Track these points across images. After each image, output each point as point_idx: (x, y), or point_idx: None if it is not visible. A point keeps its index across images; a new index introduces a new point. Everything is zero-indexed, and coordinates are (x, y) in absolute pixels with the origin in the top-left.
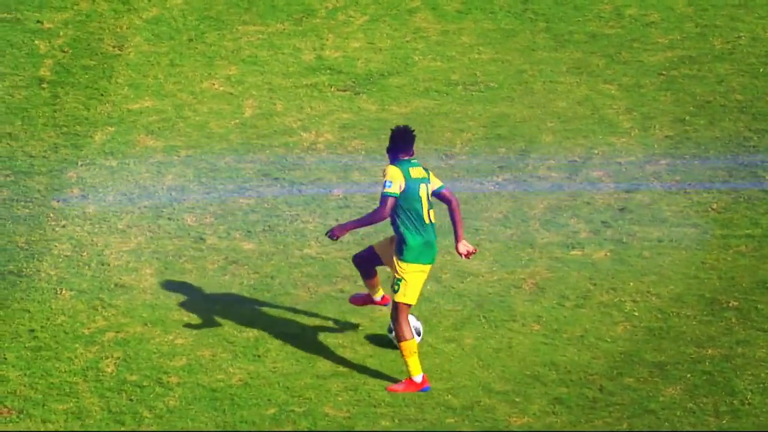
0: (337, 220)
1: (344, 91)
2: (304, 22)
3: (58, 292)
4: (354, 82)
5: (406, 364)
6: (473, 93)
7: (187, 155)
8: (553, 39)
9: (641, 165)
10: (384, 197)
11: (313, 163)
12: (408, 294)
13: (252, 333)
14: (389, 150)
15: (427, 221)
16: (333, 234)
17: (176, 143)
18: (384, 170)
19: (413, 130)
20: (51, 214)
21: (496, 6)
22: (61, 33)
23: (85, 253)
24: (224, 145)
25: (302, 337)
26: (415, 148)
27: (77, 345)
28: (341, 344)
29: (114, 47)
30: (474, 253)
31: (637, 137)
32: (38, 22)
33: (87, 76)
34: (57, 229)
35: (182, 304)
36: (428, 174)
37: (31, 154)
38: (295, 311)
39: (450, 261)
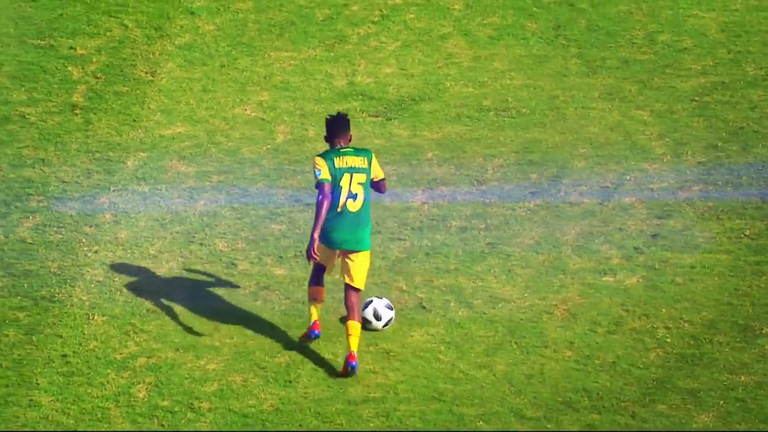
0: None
1: (376, 116)
2: (336, 48)
3: (91, 318)
4: (386, 108)
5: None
6: (505, 119)
7: (219, 181)
8: (585, 65)
9: (674, 191)
10: (319, 185)
11: None
12: (320, 261)
13: (283, 358)
14: (325, 138)
15: (340, 209)
16: (309, 256)
17: (208, 169)
18: (313, 163)
19: (345, 117)
20: (83, 240)
21: (528, 32)
22: (94, 59)
23: (117, 279)
24: (256, 171)
25: (334, 362)
26: (351, 134)
27: (109, 370)
28: (372, 370)
29: (146, 73)
30: None
31: (669, 163)
32: (71, 48)
33: (120, 102)
34: (89, 254)
35: (214, 330)
36: (366, 163)
37: (63, 179)
38: (327, 336)
39: (481, 287)
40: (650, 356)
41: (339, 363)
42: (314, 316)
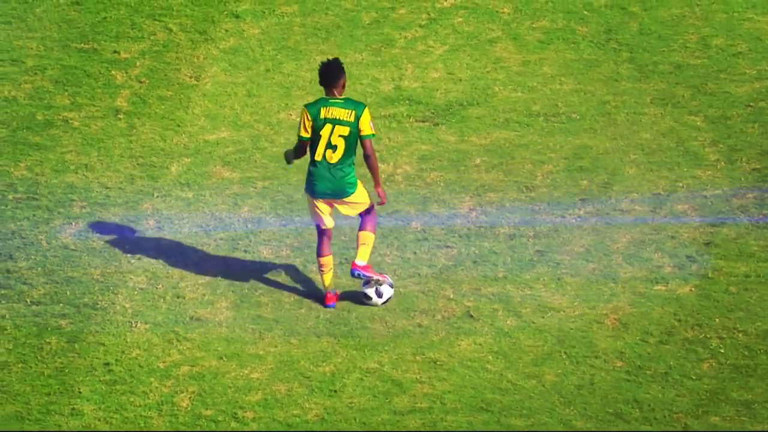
0: (415, 253)
1: (423, 122)
2: (382, 53)
3: (133, 325)
4: (433, 113)
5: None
6: (555, 124)
7: (264, 187)
8: (637, 69)
9: (727, 198)
10: (298, 139)
11: (391, 194)
12: (311, 215)
13: (328, 368)
14: (320, 83)
15: (319, 158)
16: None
17: (253, 174)
18: (301, 113)
19: (339, 64)
20: (126, 246)
21: (578, 36)
22: (138, 63)
23: (160, 286)
24: (301, 177)
25: (379, 372)
26: (343, 86)
27: (152, 379)
28: (419, 380)
29: (191, 77)
30: (383, 204)
31: (723, 170)
32: (115, 52)
33: (163, 107)
34: (132, 261)
35: (258, 338)
36: (353, 117)
37: (106, 185)
38: (373, 345)
39: (530, 296)
40: (703, 367)
41: (385, 372)
42: (328, 282)
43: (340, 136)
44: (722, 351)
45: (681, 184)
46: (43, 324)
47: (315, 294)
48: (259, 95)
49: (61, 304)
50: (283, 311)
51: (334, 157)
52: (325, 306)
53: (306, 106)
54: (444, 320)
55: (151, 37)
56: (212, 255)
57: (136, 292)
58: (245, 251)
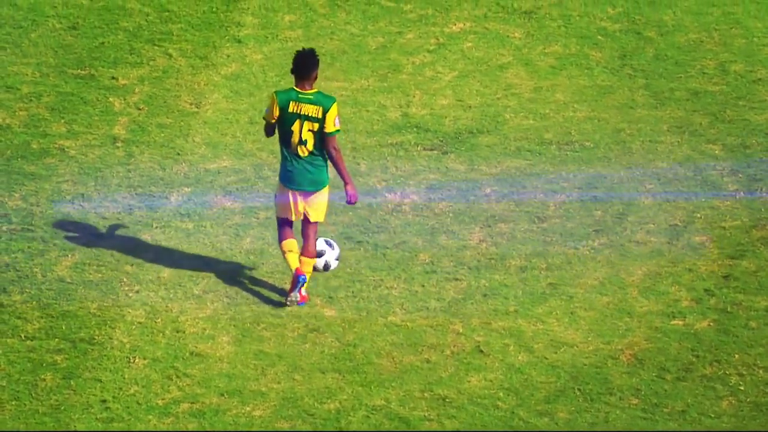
0: (423, 286)
1: (431, 150)
2: (389, 78)
3: (131, 361)
4: (442, 141)
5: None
6: (567, 153)
7: (267, 217)
8: (652, 96)
9: (747, 230)
10: (264, 119)
11: (398, 225)
12: (276, 207)
13: (333, 405)
14: (291, 71)
15: (294, 152)
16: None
17: (255, 204)
18: (270, 96)
19: (312, 58)
20: (124, 279)
21: (592, 61)
22: (137, 90)
23: (159, 320)
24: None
25: (386, 409)
26: (317, 79)
27: (151, 416)
28: (427, 417)
29: (191, 104)
30: (353, 203)
31: (742, 200)
32: (113, 78)
33: (163, 135)
34: (130, 294)
35: (260, 374)
36: (321, 113)
37: (104, 216)
38: (379, 382)
39: (542, 330)
40: (722, 405)
41: (392, 410)
42: (294, 264)
43: (309, 131)
44: (742, 388)
45: (699, 215)
46: (37, 360)
47: (319, 328)
48: (262, 123)
49: (56, 339)
50: (286, 346)
51: (306, 151)
52: (298, 302)
53: (276, 93)
54: (453, 356)
55: (150, 63)
56: (213, 288)
57: (134, 327)
58: (247, 284)
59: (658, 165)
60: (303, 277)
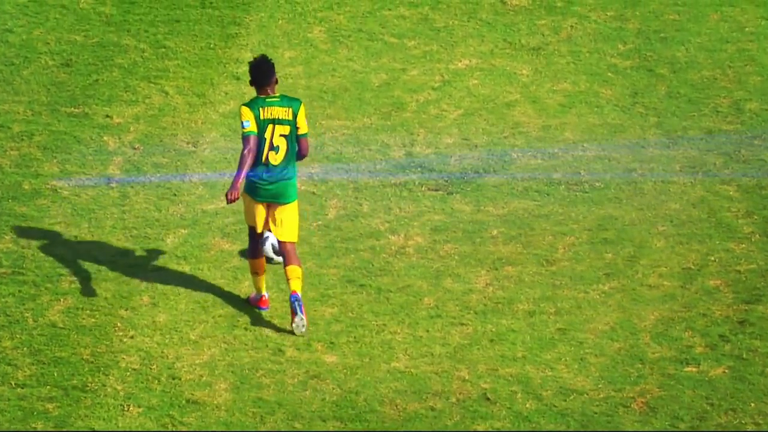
0: (427, 331)
1: (436, 190)
2: (393, 116)
3: (126, 409)
4: (447, 181)
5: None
6: (577, 193)
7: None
8: (665, 135)
9: (763, 273)
10: (245, 137)
11: (402, 268)
12: (246, 216)
13: None
14: (250, 83)
15: (264, 161)
16: (228, 198)
17: None
18: (239, 112)
19: (268, 62)
20: (118, 324)
21: (602, 99)
22: (132, 128)
23: (154, 366)
24: (305, 249)
25: None
26: (275, 84)
27: None
28: None
29: (188, 143)
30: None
31: (758, 243)
32: (107, 116)
33: (159, 175)
34: (125, 339)
35: (259, 422)
36: (291, 114)
37: (98, 259)
38: (382, 430)
39: (551, 377)
40: None
41: None
42: (262, 287)
43: (281, 135)
44: None
45: (713, 258)
46: (28, 408)
47: (320, 375)
48: None
49: (48, 387)
50: (286, 393)
51: (278, 158)
52: (259, 308)
53: (245, 104)
54: (458, 403)
55: (146, 101)
56: (210, 333)
57: (128, 374)
58: (246, 329)
59: (671, 206)
60: (296, 296)
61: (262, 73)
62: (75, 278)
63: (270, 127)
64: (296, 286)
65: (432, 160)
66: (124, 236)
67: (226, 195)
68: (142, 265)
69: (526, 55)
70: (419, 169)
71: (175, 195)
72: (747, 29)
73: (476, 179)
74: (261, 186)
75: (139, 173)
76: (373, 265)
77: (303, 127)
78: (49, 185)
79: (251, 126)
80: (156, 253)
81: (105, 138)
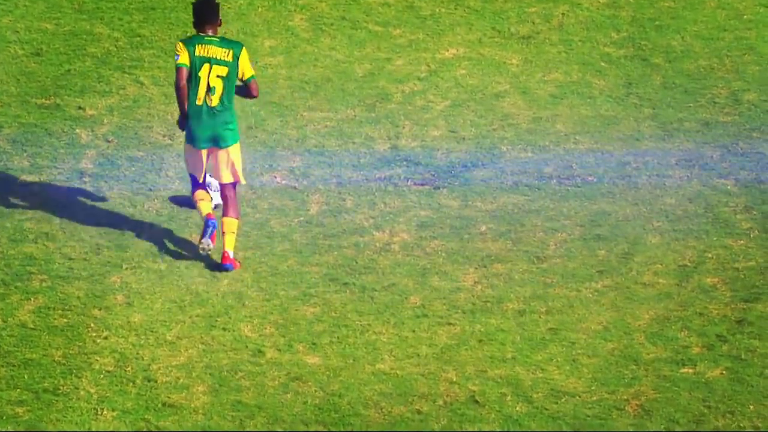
0: (414, 331)
1: (422, 185)
2: (377, 108)
3: (99, 413)
4: (433, 175)
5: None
6: (569, 188)
7: (245, 257)
8: (660, 127)
9: (762, 271)
10: (177, 70)
11: (387, 266)
12: (187, 164)
13: None
14: (193, 24)
15: (200, 102)
16: (182, 127)
17: None
18: (174, 47)
19: (211, 3)
20: (91, 324)
21: (595, 90)
22: (105, 120)
23: (129, 368)
24: (287, 246)
25: None
26: (219, 24)
27: None
28: None
29: (164, 136)
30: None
31: (757, 239)
32: (80, 108)
33: (133, 169)
34: (98, 340)
35: (238, 426)
36: (232, 56)
37: (70, 256)
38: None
39: (542, 379)
40: None
41: None
42: (205, 210)
43: (218, 76)
44: None
45: (710, 255)
46: None
47: (302, 377)
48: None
49: (18, 390)
50: (266, 396)
51: (214, 100)
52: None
53: (182, 41)
54: (446, 406)
55: (120, 92)
56: (187, 333)
57: (102, 376)
58: (224, 329)
59: (666, 201)
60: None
61: (207, 10)
62: (46, 277)
63: (206, 66)
64: (229, 243)
65: (418, 154)
66: (98, 233)
67: (179, 126)
68: (116, 263)
69: (515, 43)
70: (405, 162)
71: (150, 190)
72: (745, 17)
73: (464, 173)
74: (199, 132)
75: (113, 167)
76: (356, 262)
77: (248, 71)
78: (19, 180)
79: (182, 59)
80: (131, 250)
81: (77, 130)
